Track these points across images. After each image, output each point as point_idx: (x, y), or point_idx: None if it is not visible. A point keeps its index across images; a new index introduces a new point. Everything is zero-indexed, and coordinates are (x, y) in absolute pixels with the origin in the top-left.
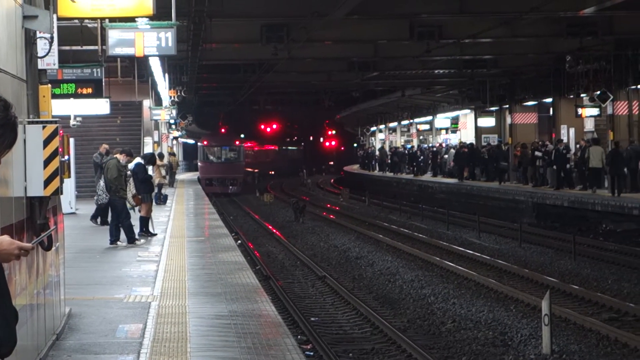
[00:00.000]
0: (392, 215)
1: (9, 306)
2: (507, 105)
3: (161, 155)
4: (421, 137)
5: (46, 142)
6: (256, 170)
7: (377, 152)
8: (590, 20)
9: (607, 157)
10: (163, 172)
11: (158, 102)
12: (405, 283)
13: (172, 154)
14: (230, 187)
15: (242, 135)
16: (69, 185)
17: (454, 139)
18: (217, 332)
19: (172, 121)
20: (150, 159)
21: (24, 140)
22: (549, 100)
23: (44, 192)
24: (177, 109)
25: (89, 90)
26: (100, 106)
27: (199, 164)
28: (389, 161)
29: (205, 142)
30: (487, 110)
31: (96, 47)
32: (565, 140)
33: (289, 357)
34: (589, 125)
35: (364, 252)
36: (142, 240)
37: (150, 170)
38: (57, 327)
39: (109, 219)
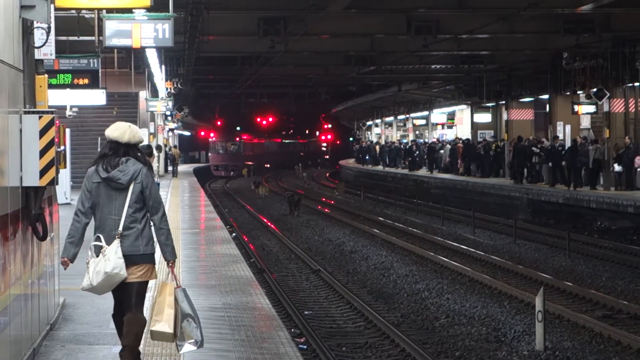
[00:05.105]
0: (387, 209)
1: None
2: (504, 101)
3: (159, 148)
4: (417, 132)
5: (42, 132)
6: (251, 163)
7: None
8: (587, 17)
9: (565, 152)
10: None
11: (154, 93)
12: (400, 278)
13: (174, 146)
14: (232, 171)
15: (238, 128)
16: (65, 175)
17: (450, 135)
18: (210, 325)
19: (168, 113)
20: (146, 151)
21: (20, 130)
22: (546, 96)
23: (40, 182)
24: (174, 101)
25: (86, 81)
26: (96, 97)
27: (209, 154)
28: (379, 155)
29: (213, 138)
30: (484, 106)
31: (93, 38)
32: (561, 137)
33: (282, 350)
34: (585, 122)
35: (358, 246)
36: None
37: None
38: (51, 317)
39: None
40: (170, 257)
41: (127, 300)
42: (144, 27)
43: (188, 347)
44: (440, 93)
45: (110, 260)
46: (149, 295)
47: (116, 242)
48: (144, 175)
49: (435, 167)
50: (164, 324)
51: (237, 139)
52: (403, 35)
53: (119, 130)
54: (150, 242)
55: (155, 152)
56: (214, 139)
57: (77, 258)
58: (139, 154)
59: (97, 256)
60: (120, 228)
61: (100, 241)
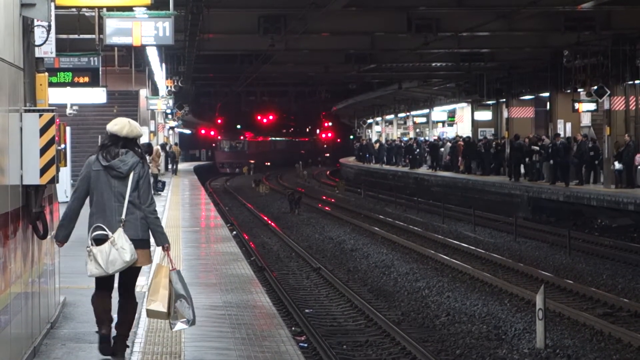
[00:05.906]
0: (388, 207)
1: None
2: (504, 99)
3: (163, 146)
4: (417, 130)
5: (42, 131)
6: (252, 162)
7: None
8: (588, 15)
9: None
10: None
11: (155, 91)
12: (400, 276)
13: (175, 144)
14: (237, 168)
15: (239, 127)
16: (65, 173)
17: (450, 132)
18: (211, 323)
19: (168, 111)
20: (146, 149)
21: (21, 129)
22: (546, 94)
23: (40, 181)
24: (174, 99)
25: (86, 79)
26: (96, 95)
27: (215, 151)
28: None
29: (219, 137)
30: (484, 104)
31: (93, 36)
32: (562, 134)
33: (283, 349)
34: (586, 120)
35: (359, 245)
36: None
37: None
38: (52, 316)
39: None
40: (162, 242)
41: (128, 284)
42: (145, 25)
43: (180, 326)
44: (441, 91)
45: (125, 249)
46: (144, 278)
47: (120, 230)
48: (141, 166)
49: (436, 164)
50: (159, 303)
51: (242, 137)
52: (403, 33)
53: (118, 125)
54: (147, 228)
55: (160, 150)
56: (219, 137)
57: (78, 258)
58: (136, 148)
59: (99, 245)
60: (123, 215)
61: (104, 230)
